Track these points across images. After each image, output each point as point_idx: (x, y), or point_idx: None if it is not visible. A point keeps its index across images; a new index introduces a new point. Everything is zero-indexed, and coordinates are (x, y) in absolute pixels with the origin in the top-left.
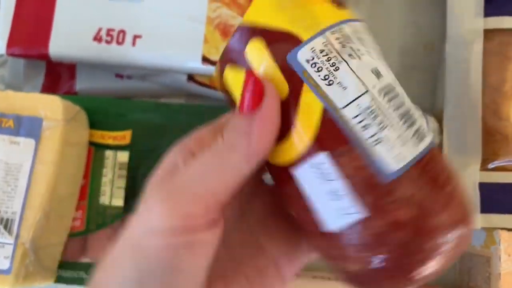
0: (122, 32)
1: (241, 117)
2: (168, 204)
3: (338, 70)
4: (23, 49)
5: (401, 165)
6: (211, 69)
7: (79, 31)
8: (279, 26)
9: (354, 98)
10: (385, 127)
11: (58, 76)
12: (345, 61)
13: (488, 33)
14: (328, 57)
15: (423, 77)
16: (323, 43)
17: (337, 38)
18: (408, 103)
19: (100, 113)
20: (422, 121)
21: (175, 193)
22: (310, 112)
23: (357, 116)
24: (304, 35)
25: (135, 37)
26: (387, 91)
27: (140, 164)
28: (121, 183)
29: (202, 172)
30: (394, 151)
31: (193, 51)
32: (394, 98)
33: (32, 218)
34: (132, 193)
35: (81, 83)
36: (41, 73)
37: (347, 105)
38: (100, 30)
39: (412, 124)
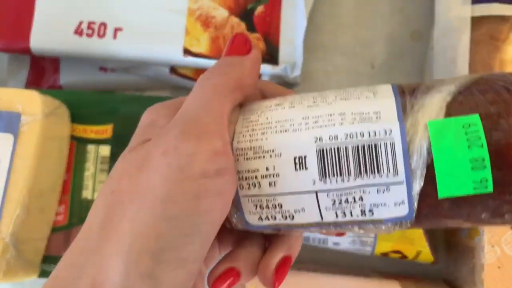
0: (103, 25)
1: (232, 56)
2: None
3: None
4: (4, 43)
5: None
6: (192, 61)
7: (60, 25)
8: None
9: None
10: None
11: (42, 70)
12: None
13: (476, 21)
14: None
15: (410, 65)
16: None
17: None
18: None
19: (82, 106)
20: None
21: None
22: None
23: None
24: None
25: (116, 30)
26: None
27: None
28: (104, 177)
29: (202, 103)
30: None
31: (174, 43)
32: None
33: (11, 213)
34: None
35: (65, 77)
36: (26, 68)
37: None
38: (81, 23)
39: None
